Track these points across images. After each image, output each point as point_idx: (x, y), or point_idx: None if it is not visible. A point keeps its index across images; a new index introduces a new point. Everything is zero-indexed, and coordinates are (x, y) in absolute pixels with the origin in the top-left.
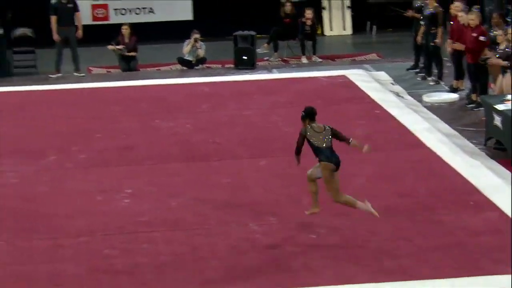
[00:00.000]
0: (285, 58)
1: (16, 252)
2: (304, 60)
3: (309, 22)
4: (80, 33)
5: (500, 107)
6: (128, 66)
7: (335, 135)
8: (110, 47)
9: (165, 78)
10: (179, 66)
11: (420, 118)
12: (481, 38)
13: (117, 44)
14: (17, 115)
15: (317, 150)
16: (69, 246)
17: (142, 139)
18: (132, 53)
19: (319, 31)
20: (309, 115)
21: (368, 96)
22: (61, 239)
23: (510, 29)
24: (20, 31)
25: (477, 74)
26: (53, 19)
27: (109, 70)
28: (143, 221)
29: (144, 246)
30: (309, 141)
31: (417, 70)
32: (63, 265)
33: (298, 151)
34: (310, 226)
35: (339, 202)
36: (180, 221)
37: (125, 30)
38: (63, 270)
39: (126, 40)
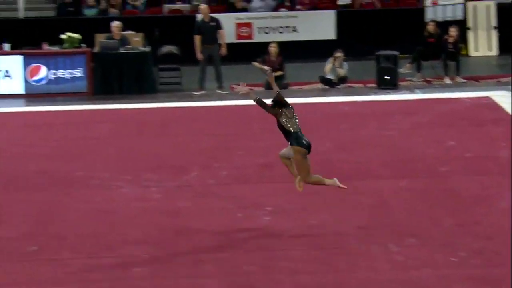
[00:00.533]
0: (428, 79)
1: (159, 266)
2: (447, 80)
3: (451, 39)
4: (223, 50)
5: None
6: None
7: None
8: (255, 64)
9: (307, 96)
10: (321, 85)
11: None
12: None
13: (264, 62)
14: (162, 131)
15: (288, 134)
16: (210, 262)
17: None
18: (279, 73)
19: (464, 52)
20: (278, 103)
21: None
22: (202, 254)
23: None
24: (166, 48)
25: None
26: (197, 38)
27: (251, 88)
28: (283, 239)
29: (283, 263)
30: (282, 126)
31: None
32: (203, 280)
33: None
34: (451, 249)
35: (310, 183)
36: (320, 240)
37: (273, 48)
38: (204, 285)
39: (273, 58)
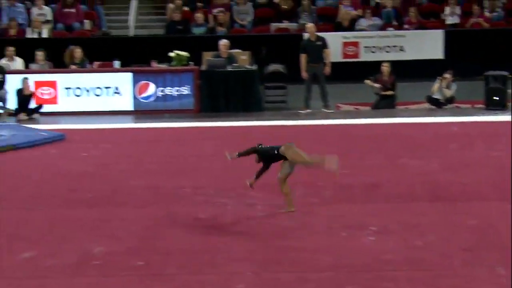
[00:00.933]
0: None
1: (263, 283)
2: None
3: None
4: (327, 69)
5: None
6: (384, 104)
7: None
8: (367, 81)
9: (414, 116)
10: (428, 105)
11: None
12: None
13: (375, 80)
14: None
15: (273, 151)
16: (313, 280)
17: (388, 177)
18: (389, 92)
19: None
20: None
21: None
22: (306, 273)
23: None
24: (272, 67)
25: None
26: (303, 57)
27: (357, 107)
28: (387, 259)
29: (387, 284)
30: (267, 152)
31: None
32: None
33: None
34: None
35: (310, 163)
36: (425, 261)
37: (385, 68)
38: None
39: (385, 78)
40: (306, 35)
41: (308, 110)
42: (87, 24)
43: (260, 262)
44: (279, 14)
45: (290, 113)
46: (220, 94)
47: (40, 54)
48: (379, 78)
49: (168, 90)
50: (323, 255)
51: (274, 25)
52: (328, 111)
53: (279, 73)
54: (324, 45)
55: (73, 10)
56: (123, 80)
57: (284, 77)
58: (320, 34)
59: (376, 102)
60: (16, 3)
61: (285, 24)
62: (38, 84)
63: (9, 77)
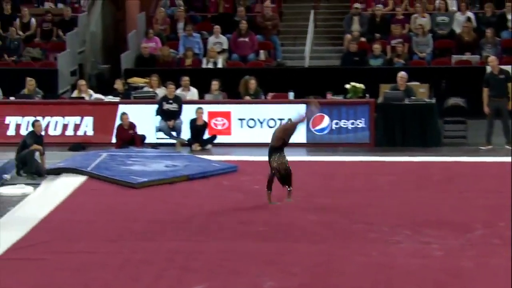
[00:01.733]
0: None
1: None
2: None
3: None
4: (511, 104)
5: None
6: None
7: None
8: None
9: None
10: None
11: None
12: None
13: None
14: (444, 186)
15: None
16: None
17: None
18: None
19: None
20: None
21: None
22: None
23: None
24: (452, 100)
25: None
26: (485, 91)
27: None
28: None
29: None
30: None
31: None
32: None
33: None
34: None
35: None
36: None
37: None
38: None
39: None
40: (489, 68)
41: (490, 147)
42: (262, 54)
43: None
44: (461, 45)
45: (470, 149)
46: (397, 128)
47: (215, 84)
48: None
49: (343, 123)
50: None
51: (455, 57)
52: (511, 148)
53: (459, 107)
54: (507, 78)
55: (247, 40)
56: (297, 112)
57: (464, 111)
58: (504, 67)
59: None
60: (193, 33)
61: (466, 56)
62: (212, 115)
63: (184, 107)
